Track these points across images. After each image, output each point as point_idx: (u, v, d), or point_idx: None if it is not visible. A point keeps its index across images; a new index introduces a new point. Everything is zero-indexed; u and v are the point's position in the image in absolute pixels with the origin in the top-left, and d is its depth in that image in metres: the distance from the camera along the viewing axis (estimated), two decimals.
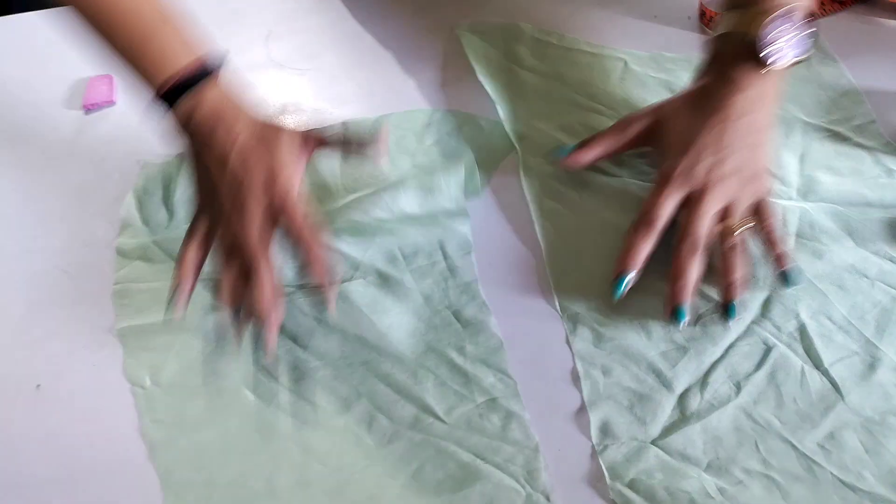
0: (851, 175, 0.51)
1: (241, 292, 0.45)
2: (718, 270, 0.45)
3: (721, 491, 0.40)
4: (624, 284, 0.45)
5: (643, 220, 0.46)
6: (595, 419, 0.43)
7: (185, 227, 0.48)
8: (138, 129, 0.57)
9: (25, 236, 0.53)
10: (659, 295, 0.46)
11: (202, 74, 0.45)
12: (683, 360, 0.44)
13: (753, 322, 0.45)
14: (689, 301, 0.45)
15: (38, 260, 0.51)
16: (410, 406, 0.44)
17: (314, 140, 0.47)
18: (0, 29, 0.65)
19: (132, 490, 0.43)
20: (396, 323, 0.47)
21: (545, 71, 0.56)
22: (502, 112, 0.54)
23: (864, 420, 0.42)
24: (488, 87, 0.56)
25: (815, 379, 0.43)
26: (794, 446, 0.41)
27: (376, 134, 0.46)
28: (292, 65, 0.60)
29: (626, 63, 0.57)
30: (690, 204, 0.46)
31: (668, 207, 0.46)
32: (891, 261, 0.47)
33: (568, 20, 0.60)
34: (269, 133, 0.46)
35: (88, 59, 0.61)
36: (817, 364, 0.44)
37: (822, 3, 0.60)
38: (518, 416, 0.43)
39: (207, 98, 0.45)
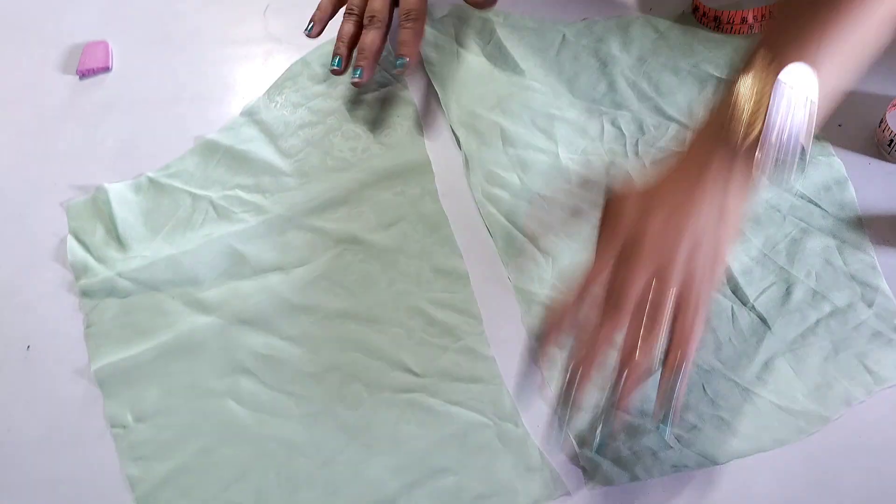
0: None
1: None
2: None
3: (678, 438, 0.42)
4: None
5: (613, 305, 0.39)
6: (555, 389, 0.43)
7: (145, 255, 0.48)
8: (133, 95, 0.58)
9: (16, 200, 0.53)
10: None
11: None
12: None
13: None
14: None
15: (29, 223, 0.52)
16: (384, 366, 0.45)
17: None
18: None
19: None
20: (378, 287, 0.48)
21: (490, 52, 0.57)
22: (444, 102, 0.55)
23: (789, 344, 0.44)
24: (433, 77, 0.56)
25: (744, 316, 0.45)
26: (736, 383, 0.43)
27: None
28: (290, 39, 0.59)
29: (564, 35, 0.58)
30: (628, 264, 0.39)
31: (638, 284, 0.38)
32: (801, 197, 0.49)
33: (564, 12, 0.60)
34: None
35: (84, 24, 0.61)
36: (744, 301, 0.46)
37: None
38: (482, 355, 0.45)
39: None
